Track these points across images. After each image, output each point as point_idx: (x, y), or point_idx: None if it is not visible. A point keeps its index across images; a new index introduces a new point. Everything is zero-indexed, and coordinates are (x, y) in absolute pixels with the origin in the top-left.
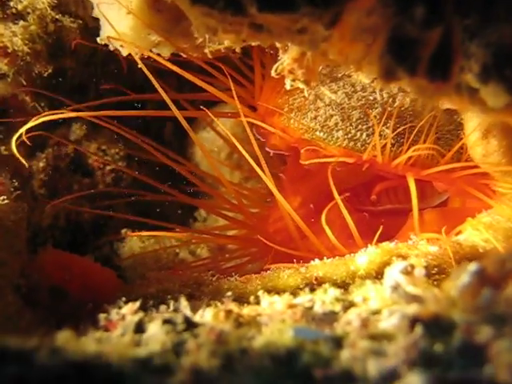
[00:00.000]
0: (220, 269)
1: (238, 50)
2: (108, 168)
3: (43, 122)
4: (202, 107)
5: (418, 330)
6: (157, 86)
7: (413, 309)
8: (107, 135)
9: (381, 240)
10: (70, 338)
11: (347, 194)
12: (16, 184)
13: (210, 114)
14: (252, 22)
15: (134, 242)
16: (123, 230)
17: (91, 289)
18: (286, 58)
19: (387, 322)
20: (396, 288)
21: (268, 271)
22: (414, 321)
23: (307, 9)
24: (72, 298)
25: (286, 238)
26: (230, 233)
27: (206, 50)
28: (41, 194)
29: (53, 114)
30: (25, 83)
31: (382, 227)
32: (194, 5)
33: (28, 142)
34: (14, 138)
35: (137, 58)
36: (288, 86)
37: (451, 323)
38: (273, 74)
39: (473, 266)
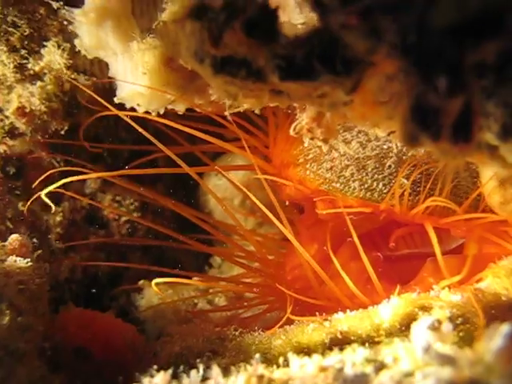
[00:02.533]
0: (239, 318)
1: (257, 111)
2: (123, 219)
3: (58, 176)
4: (213, 162)
5: None
6: (156, 142)
7: (447, 372)
8: (121, 187)
9: (398, 284)
10: None
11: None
12: (35, 241)
13: (220, 170)
14: (273, 89)
15: (152, 294)
16: (140, 282)
17: (114, 347)
18: (305, 117)
19: None
20: (427, 349)
21: (291, 325)
22: None
23: (328, 77)
24: (95, 358)
25: (304, 286)
26: (247, 281)
27: (226, 113)
28: (58, 248)
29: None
30: (41, 140)
31: (398, 272)
32: (217, 74)
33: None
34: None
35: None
36: (306, 144)
37: None
38: (291, 133)
39: (506, 328)
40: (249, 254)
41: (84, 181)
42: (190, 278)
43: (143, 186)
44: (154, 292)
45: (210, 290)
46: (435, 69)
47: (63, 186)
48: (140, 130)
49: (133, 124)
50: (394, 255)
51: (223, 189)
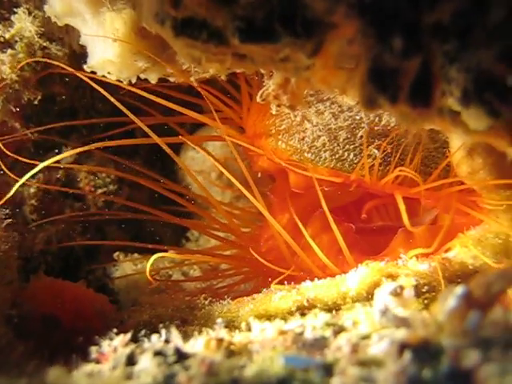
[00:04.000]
0: (213, 289)
1: (223, 77)
2: (99, 191)
3: (34, 148)
4: (186, 134)
5: (407, 355)
6: (130, 115)
7: (401, 334)
8: (98, 159)
9: (370, 256)
10: (61, 375)
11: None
12: (7, 211)
13: (193, 140)
14: (235, 52)
15: (127, 265)
16: (116, 254)
17: (84, 316)
18: (271, 84)
19: (376, 348)
20: (385, 312)
21: (260, 294)
22: (402, 346)
23: (288, 39)
24: (64, 327)
25: (277, 257)
26: (223, 253)
27: (192, 79)
28: (32, 220)
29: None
30: (14, 110)
31: (371, 243)
32: (178, 37)
33: None
34: None
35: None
36: (274, 111)
37: (439, 348)
38: (258, 99)
39: (459, 290)
40: (224, 226)
41: (59, 152)
42: (165, 251)
43: (120, 158)
44: (129, 264)
45: (186, 262)
46: (391, 29)
47: (38, 156)
48: (114, 101)
49: (106, 95)
50: (367, 227)
51: (201, 161)
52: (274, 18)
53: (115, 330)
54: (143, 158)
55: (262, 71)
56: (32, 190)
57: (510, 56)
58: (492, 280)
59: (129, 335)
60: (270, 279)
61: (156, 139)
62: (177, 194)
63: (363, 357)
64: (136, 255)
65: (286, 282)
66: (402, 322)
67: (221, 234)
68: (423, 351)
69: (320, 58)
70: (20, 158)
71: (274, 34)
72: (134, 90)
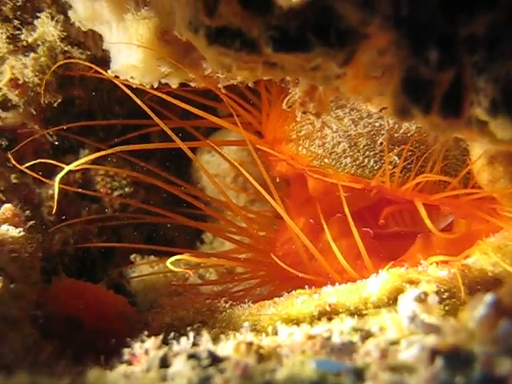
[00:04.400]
0: (229, 292)
1: (250, 84)
2: (116, 193)
3: (51, 149)
4: (205, 138)
5: (439, 362)
6: (153, 116)
7: (431, 340)
8: (114, 161)
9: (388, 261)
10: (100, 376)
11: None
12: (28, 213)
13: (213, 145)
14: (266, 60)
15: (144, 267)
16: (132, 256)
17: (106, 318)
18: (298, 91)
19: (407, 354)
20: (413, 318)
21: (280, 298)
22: (433, 353)
23: (321, 49)
24: (87, 327)
25: (294, 261)
26: (239, 256)
27: (220, 85)
28: (50, 221)
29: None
30: (35, 113)
31: (388, 249)
32: (211, 45)
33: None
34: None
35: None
36: (299, 118)
37: (471, 355)
38: (284, 106)
39: (489, 297)
40: (240, 229)
41: (77, 154)
42: (181, 253)
43: (136, 161)
44: (146, 266)
45: (202, 265)
46: (426, 41)
47: (56, 159)
48: (137, 100)
49: (130, 94)
50: (384, 233)
51: (216, 165)
52: (307, 28)
53: (146, 332)
54: (159, 160)
55: (288, 78)
56: (50, 192)
57: None
58: None
59: (160, 338)
60: (287, 283)
61: (178, 142)
62: (192, 197)
63: (393, 362)
64: (152, 257)
65: (306, 287)
66: (432, 329)
67: (236, 238)
68: (455, 358)
69: (351, 68)
70: (41, 160)
71: (308, 44)
72: (155, 93)
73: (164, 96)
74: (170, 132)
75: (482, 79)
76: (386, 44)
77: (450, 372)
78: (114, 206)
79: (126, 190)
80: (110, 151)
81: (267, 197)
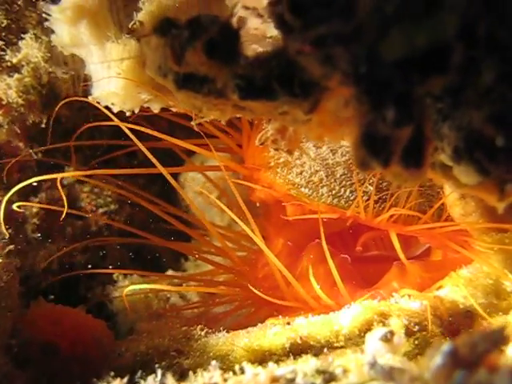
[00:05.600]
0: (210, 314)
1: (223, 122)
2: (101, 210)
3: (36, 166)
4: (186, 157)
5: None
6: (136, 140)
7: None
8: (100, 178)
9: (364, 286)
10: None
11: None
12: (8, 234)
13: (196, 169)
14: (235, 104)
15: (126, 286)
16: (115, 275)
17: (82, 344)
18: (270, 129)
19: None
20: (373, 364)
21: (254, 327)
22: None
23: (286, 98)
24: (63, 354)
25: (274, 284)
26: (220, 277)
27: (193, 123)
28: (34, 238)
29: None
30: (19, 131)
31: (366, 273)
32: (180, 90)
33: None
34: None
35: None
36: (272, 153)
37: None
38: (257, 143)
39: (446, 347)
40: (220, 250)
41: (61, 171)
42: (163, 273)
43: (122, 178)
44: (128, 285)
45: (184, 285)
46: (384, 99)
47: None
48: (120, 124)
49: (113, 118)
50: (362, 256)
51: (202, 182)
52: (272, 77)
53: (112, 373)
54: (145, 175)
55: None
56: (34, 210)
57: (498, 118)
58: (477, 340)
59: (125, 380)
60: (266, 306)
61: (160, 168)
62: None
63: None
64: (135, 276)
65: (280, 316)
66: (389, 377)
67: (218, 258)
68: None
69: (317, 114)
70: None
71: (273, 93)
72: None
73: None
74: (151, 157)
75: (445, 126)
76: (349, 95)
77: None
78: (99, 222)
79: (111, 207)
80: (92, 172)
81: (241, 224)
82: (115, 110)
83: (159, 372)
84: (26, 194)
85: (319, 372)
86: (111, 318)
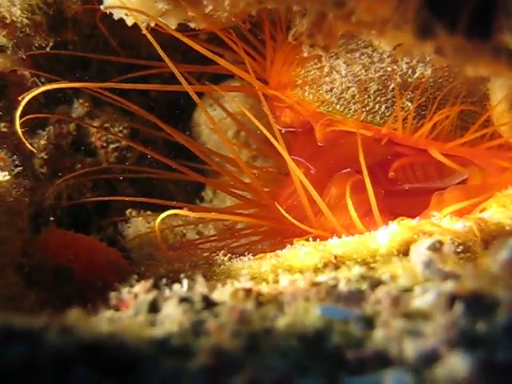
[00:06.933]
0: (228, 248)
1: (253, 12)
2: (111, 146)
3: (44, 99)
4: (208, 83)
5: (458, 307)
6: (164, 56)
7: (449, 286)
8: (110, 112)
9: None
10: (81, 317)
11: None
12: (17, 162)
13: (218, 89)
14: None
15: (140, 223)
16: (128, 211)
17: (97, 269)
18: (305, 22)
19: (422, 300)
20: (429, 264)
21: (283, 250)
22: (452, 298)
23: None
24: (77, 278)
25: (298, 217)
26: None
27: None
28: (42, 173)
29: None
30: (24, 57)
31: (399, 208)
32: None
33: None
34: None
35: (143, 26)
36: (306, 53)
37: (494, 300)
38: (290, 39)
39: None
40: (243, 184)
41: (71, 105)
42: (180, 208)
43: (133, 115)
44: (142, 221)
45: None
46: None
47: (48, 109)
48: (151, 39)
49: (145, 32)
50: (395, 190)
51: (217, 120)
52: None
53: (135, 277)
54: (157, 114)
55: (295, 8)
56: (42, 143)
57: None
58: None
59: (150, 281)
60: (290, 239)
61: (185, 86)
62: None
63: (407, 309)
64: (149, 212)
65: (310, 239)
66: (450, 275)
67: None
68: (476, 303)
69: None
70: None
71: None
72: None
73: (168, 29)
74: (179, 75)
75: None
76: None
77: (471, 318)
78: (110, 159)
79: (123, 142)
80: (100, 85)
81: (275, 142)
82: (129, 22)
83: (185, 281)
84: (33, 127)
85: (364, 277)
86: (125, 253)
